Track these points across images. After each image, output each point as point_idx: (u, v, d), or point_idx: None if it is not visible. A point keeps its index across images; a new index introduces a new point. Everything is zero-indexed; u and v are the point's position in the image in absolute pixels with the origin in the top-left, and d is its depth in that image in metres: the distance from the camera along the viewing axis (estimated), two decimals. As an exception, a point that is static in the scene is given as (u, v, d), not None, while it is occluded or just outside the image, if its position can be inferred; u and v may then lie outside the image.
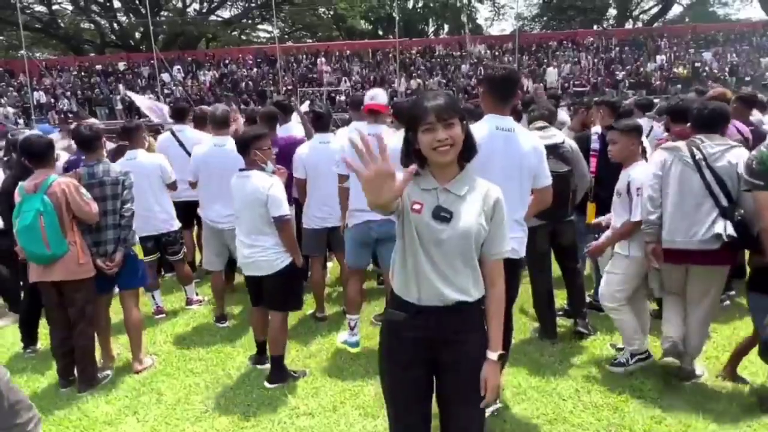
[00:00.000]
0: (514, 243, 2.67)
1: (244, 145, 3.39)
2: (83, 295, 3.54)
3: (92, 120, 5.37)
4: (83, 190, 3.48)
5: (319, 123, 4.44)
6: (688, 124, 3.38)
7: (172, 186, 4.70)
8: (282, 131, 5.01)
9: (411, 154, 1.84)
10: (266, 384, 3.54)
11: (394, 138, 3.87)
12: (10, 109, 22.59)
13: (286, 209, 3.33)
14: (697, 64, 26.14)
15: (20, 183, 3.51)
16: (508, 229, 1.93)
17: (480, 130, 2.73)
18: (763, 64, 25.79)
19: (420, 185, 1.86)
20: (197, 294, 5.13)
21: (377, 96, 3.91)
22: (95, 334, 3.72)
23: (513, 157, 2.74)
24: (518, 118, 5.40)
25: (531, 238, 3.62)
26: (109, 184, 3.61)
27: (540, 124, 3.88)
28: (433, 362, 1.92)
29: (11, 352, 4.36)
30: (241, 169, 3.44)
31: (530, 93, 22.57)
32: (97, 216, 3.51)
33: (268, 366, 3.63)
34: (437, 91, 1.87)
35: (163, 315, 4.83)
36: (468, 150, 1.86)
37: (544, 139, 3.64)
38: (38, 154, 3.49)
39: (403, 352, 1.92)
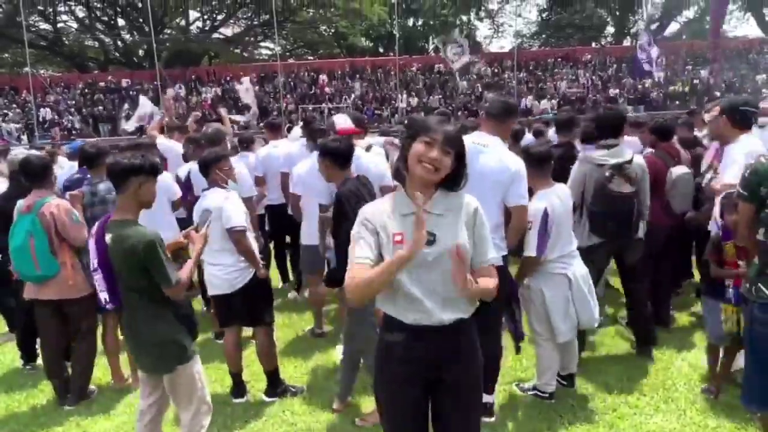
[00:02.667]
0: None
1: (204, 166, 3.46)
2: (78, 312, 3.59)
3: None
4: (76, 213, 3.50)
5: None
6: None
7: (177, 203, 4.66)
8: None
9: (401, 161, 1.89)
10: (264, 398, 3.58)
11: (380, 158, 4.06)
12: (14, 126, 22.79)
13: (237, 221, 3.31)
14: (695, 81, 26.39)
15: (18, 202, 3.56)
16: (490, 238, 1.95)
17: None
18: (760, 80, 26.02)
19: (398, 211, 1.87)
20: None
21: (347, 120, 4.06)
22: (94, 353, 3.74)
23: (477, 171, 2.77)
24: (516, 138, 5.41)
25: (586, 256, 3.55)
26: (111, 203, 3.63)
27: (609, 141, 3.64)
28: (429, 381, 1.93)
29: (11, 368, 4.38)
30: (203, 189, 3.52)
31: (532, 110, 22.78)
32: (83, 241, 3.45)
33: (243, 400, 3.61)
34: (453, 121, 1.91)
35: None
36: (455, 180, 1.88)
37: (611, 157, 3.57)
38: (34, 174, 3.54)
39: (398, 372, 1.92)
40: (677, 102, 24.28)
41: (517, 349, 3.26)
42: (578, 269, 3.24)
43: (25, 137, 22.16)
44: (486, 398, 3.08)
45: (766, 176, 2.46)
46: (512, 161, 2.97)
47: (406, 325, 1.88)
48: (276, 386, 3.60)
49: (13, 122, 23.02)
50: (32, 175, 3.55)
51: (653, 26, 38.66)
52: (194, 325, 2.68)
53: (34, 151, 4.34)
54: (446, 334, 1.88)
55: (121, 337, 3.98)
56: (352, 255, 1.84)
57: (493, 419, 3.18)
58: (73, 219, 3.49)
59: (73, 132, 23.84)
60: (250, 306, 3.45)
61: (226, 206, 3.30)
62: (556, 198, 3.18)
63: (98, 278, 2.61)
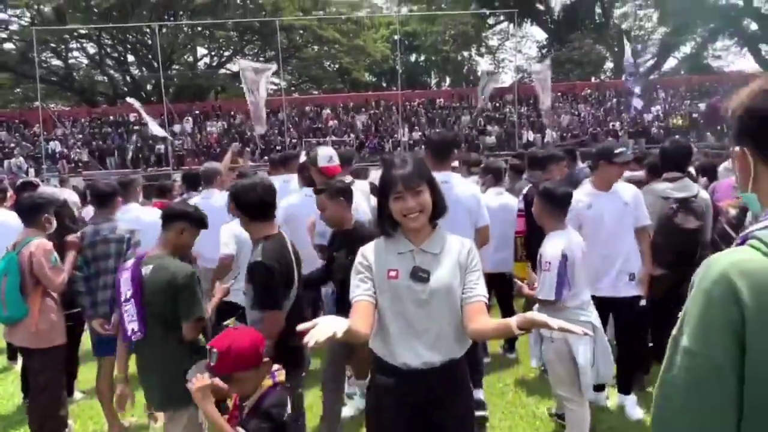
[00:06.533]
0: None
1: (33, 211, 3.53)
2: (37, 365, 3.45)
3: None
4: (55, 256, 3.42)
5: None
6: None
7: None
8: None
9: (384, 218, 1.90)
10: None
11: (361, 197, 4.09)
12: (22, 159, 23.12)
13: None
14: (695, 115, 26.71)
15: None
16: (482, 278, 1.93)
17: None
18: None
19: (395, 250, 1.90)
20: None
21: (335, 157, 3.95)
22: (60, 409, 3.52)
23: (451, 203, 2.99)
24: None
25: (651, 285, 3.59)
26: (113, 242, 3.54)
27: (674, 174, 3.67)
28: (421, 423, 1.92)
29: (11, 403, 4.39)
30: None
31: (534, 144, 23.00)
32: (60, 286, 3.42)
33: None
34: (405, 157, 1.91)
35: None
36: (439, 210, 1.92)
37: (676, 191, 3.61)
38: (25, 213, 3.52)
39: (390, 416, 1.92)
40: (677, 136, 24.50)
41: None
42: (596, 317, 3.04)
43: (33, 171, 22.44)
44: (475, 394, 3.35)
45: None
46: (474, 189, 3.69)
47: (396, 368, 1.88)
48: None
49: (22, 156, 23.36)
50: (23, 215, 3.53)
51: (651, 62, 39.49)
52: None
53: (66, 191, 4.18)
54: (437, 376, 1.87)
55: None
56: (351, 293, 1.90)
57: (486, 413, 3.35)
58: (51, 260, 3.39)
59: (80, 165, 24.18)
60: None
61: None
62: (571, 241, 3.00)
63: (129, 309, 2.66)
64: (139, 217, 4.28)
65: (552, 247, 2.94)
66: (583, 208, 3.42)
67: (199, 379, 2.04)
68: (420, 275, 1.85)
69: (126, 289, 2.66)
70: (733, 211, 3.66)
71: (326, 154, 3.91)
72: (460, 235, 3.14)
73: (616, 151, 3.43)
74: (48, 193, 3.78)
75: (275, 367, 2.14)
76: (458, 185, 3.49)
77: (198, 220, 2.78)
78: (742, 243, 1.00)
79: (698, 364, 0.94)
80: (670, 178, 3.70)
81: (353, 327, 1.63)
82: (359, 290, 1.88)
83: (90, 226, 3.63)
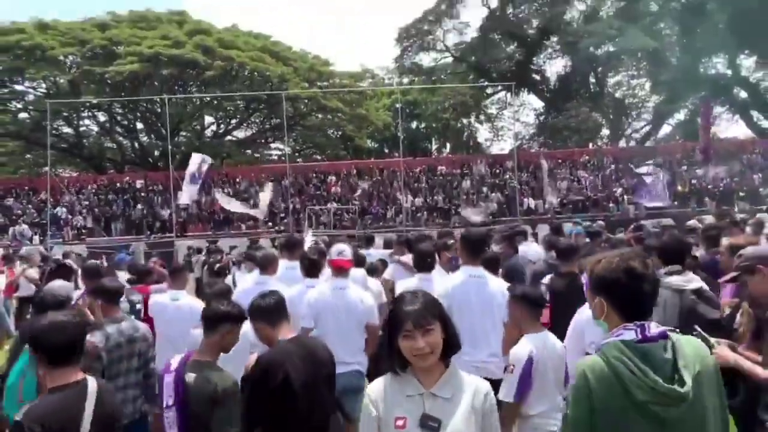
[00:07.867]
0: (492, 366, 3.37)
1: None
2: None
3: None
4: None
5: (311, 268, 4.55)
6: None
7: None
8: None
9: (393, 356, 1.79)
10: None
11: (367, 293, 4.11)
12: (26, 227, 23.27)
13: None
14: (694, 181, 27.04)
15: None
16: (500, 427, 1.85)
17: (456, 278, 3.62)
18: (756, 180, 26.63)
19: (403, 391, 1.78)
20: None
21: (345, 251, 4.06)
22: None
23: (486, 298, 3.51)
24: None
25: None
26: (139, 341, 3.52)
27: (675, 268, 3.59)
28: None
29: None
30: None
31: (536, 211, 23.10)
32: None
33: None
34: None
35: None
36: (450, 348, 1.81)
37: (686, 283, 3.47)
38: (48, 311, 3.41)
39: None
40: (676, 203, 24.76)
41: None
42: None
43: (36, 238, 22.53)
44: None
45: None
46: (503, 284, 3.73)
47: None
48: None
49: (26, 223, 23.53)
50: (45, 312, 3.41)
51: (645, 129, 40.55)
52: None
53: (58, 283, 4.12)
54: None
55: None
56: None
57: None
58: None
59: (83, 231, 24.30)
60: None
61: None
62: (545, 345, 2.97)
63: (170, 416, 2.67)
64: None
65: (519, 349, 2.92)
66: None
67: None
68: (430, 424, 1.72)
69: (168, 395, 2.69)
70: (728, 310, 3.59)
71: (337, 249, 4.14)
72: (494, 329, 3.43)
73: None
74: (65, 290, 3.78)
75: None
76: (491, 281, 3.70)
77: (240, 317, 2.80)
78: (597, 351, 1.70)
79: (576, 424, 1.67)
80: (674, 272, 3.62)
81: None
82: None
83: (112, 326, 3.50)
